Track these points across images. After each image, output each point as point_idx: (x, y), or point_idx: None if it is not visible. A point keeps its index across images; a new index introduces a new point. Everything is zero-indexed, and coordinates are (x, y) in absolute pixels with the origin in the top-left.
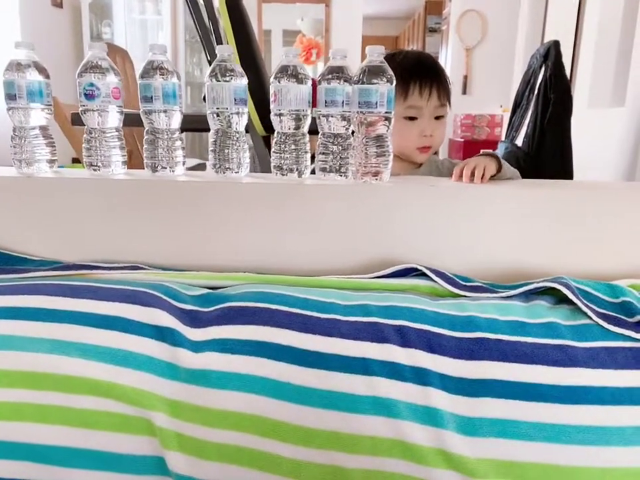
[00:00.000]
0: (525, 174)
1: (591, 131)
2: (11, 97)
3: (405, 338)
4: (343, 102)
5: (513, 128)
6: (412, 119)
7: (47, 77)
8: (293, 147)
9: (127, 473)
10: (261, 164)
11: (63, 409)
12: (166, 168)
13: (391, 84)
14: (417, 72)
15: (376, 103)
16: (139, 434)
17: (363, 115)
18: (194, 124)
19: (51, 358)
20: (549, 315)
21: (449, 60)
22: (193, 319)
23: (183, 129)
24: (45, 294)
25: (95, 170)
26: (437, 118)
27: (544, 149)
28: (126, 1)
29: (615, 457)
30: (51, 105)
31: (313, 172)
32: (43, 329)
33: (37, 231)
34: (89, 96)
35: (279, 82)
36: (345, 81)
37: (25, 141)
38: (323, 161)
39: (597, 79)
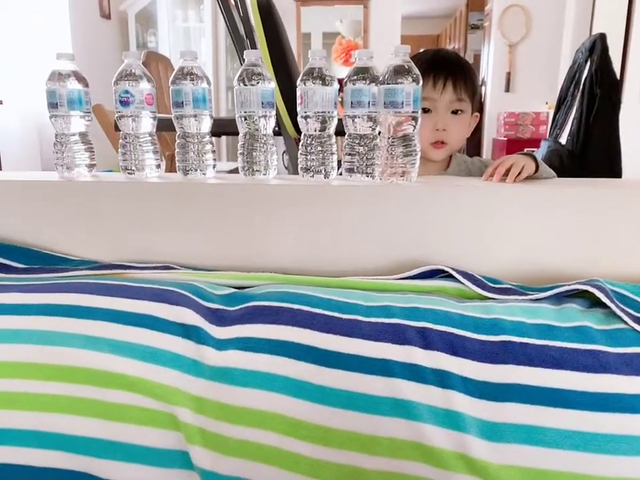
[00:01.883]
0: (569, 173)
1: None
2: (52, 105)
3: (427, 340)
4: (369, 102)
5: (557, 125)
6: (426, 111)
7: (86, 85)
8: (319, 148)
9: (153, 465)
10: (294, 166)
11: (94, 402)
12: (197, 171)
13: (417, 83)
14: (432, 64)
15: (402, 103)
16: (165, 428)
17: (389, 115)
18: (227, 128)
19: (84, 353)
20: (581, 318)
21: (491, 57)
22: (219, 318)
23: (215, 134)
24: (82, 292)
25: (129, 174)
26: (454, 113)
27: (589, 147)
28: (170, 10)
29: None
30: (90, 112)
31: (340, 174)
32: (78, 326)
33: (76, 232)
34: (124, 103)
35: (305, 84)
36: (371, 81)
37: (65, 146)
38: (349, 161)
39: None
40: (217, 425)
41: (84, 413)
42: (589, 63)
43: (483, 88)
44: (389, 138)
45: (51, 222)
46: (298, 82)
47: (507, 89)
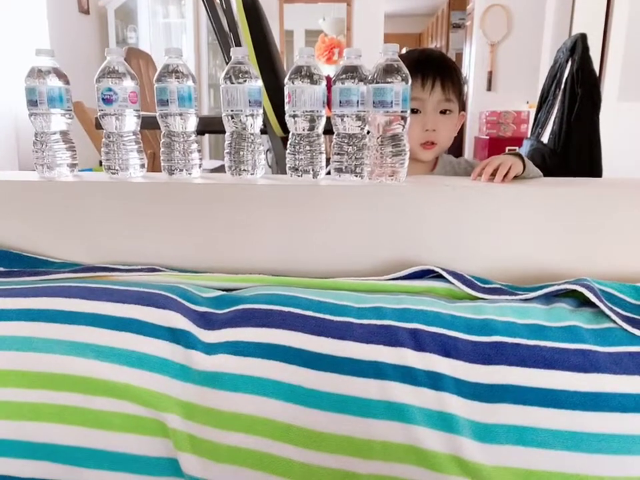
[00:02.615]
0: (551, 171)
1: (622, 125)
2: (32, 103)
3: (419, 341)
4: (357, 102)
5: (539, 124)
6: (414, 112)
7: (67, 82)
8: (307, 147)
9: (141, 474)
10: (280, 165)
11: (79, 410)
12: (182, 170)
13: (406, 83)
14: (420, 65)
15: (391, 102)
16: (153, 435)
17: (378, 115)
18: (211, 126)
19: (68, 359)
20: (571, 318)
21: (473, 56)
22: (207, 321)
23: (199, 132)
24: (64, 296)
25: (113, 173)
26: (443, 113)
27: (571, 146)
28: (150, 5)
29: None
30: (71, 110)
31: (328, 173)
32: (61, 331)
33: (58, 233)
34: (107, 100)
35: (293, 83)
36: (360, 80)
37: (46, 145)
38: (338, 161)
39: (627, 71)
40: (207, 430)
41: (68, 422)
42: (570, 63)
43: (465, 87)
44: (378, 137)
45: (32, 223)
46: (286, 80)
47: (489, 88)
